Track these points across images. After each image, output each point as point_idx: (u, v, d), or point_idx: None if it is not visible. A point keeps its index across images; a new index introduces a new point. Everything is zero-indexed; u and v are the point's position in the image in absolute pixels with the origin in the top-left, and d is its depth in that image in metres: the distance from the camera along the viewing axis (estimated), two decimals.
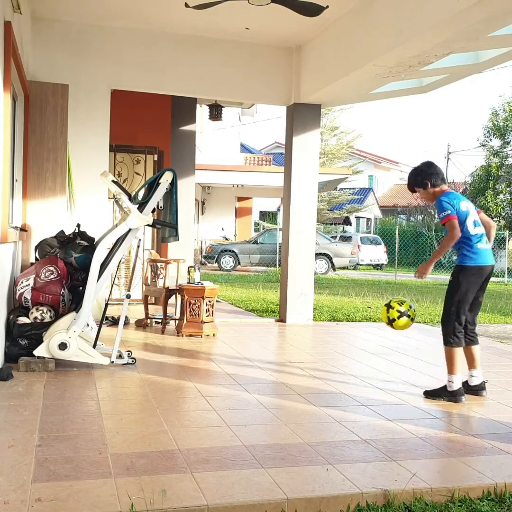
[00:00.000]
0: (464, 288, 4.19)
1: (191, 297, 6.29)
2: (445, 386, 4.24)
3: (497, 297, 13.18)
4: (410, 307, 4.29)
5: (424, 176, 4.34)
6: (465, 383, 4.36)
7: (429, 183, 4.32)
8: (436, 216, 4.72)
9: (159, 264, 6.91)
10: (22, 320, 4.83)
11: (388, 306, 4.30)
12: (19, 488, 2.51)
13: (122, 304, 5.79)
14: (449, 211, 4.13)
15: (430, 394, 4.27)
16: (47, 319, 4.88)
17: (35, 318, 4.87)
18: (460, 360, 4.22)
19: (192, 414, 3.68)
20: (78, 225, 5.35)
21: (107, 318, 6.68)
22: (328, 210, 26.67)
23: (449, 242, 4.11)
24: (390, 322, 4.28)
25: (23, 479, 2.60)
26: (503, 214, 24.12)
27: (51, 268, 4.95)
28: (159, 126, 9.45)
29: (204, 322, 6.32)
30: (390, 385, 4.59)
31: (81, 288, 5.00)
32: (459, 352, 4.22)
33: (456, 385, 4.20)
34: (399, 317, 4.24)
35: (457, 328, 4.19)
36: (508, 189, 23.93)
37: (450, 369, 4.21)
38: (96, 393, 4.04)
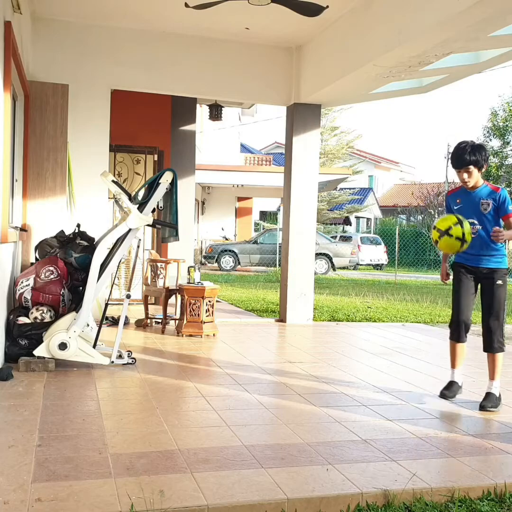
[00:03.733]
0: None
1: (191, 297, 6.29)
2: (491, 393, 4.07)
3: None
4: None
5: (487, 156, 4.02)
6: (455, 383, 4.29)
7: (486, 166, 4.05)
8: (488, 206, 4.51)
9: (159, 264, 6.91)
10: (22, 320, 4.83)
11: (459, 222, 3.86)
12: (19, 488, 2.51)
13: (122, 304, 5.79)
14: None
15: (489, 407, 3.99)
16: (47, 319, 4.88)
17: (35, 318, 4.87)
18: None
19: (192, 414, 3.68)
20: (78, 225, 5.35)
21: (107, 318, 6.68)
22: (328, 210, 26.67)
23: None
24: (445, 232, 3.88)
25: (23, 479, 2.60)
26: None
27: (51, 268, 4.95)
28: (159, 126, 9.45)
29: (204, 322, 6.32)
30: (390, 385, 4.59)
31: (81, 288, 5.00)
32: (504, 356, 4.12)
33: (498, 389, 4.10)
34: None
35: (504, 332, 4.07)
36: (508, 189, 23.93)
37: (497, 375, 4.08)
38: (96, 393, 4.04)
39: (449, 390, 4.28)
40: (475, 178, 4.05)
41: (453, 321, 4.25)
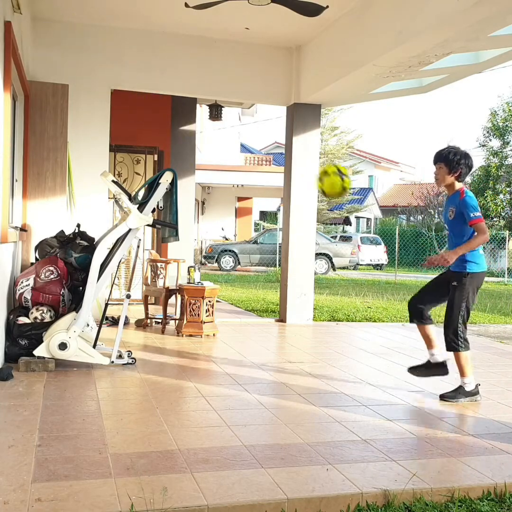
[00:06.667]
0: (471, 294, 4.15)
1: (191, 297, 6.29)
2: (460, 386, 4.23)
3: (497, 297, 13.18)
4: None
5: (463, 163, 4.16)
6: (428, 363, 4.47)
7: (460, 171, 4.18)
8: (446, 211, 4.41)
9: (159, 264, 6.91)
10: (22, 320, 4.83)
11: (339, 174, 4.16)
12: (19, 488, 2.51)
13: (122, 304, 5.79)
14: (480, 213, 4.09)
15: (448, 397, 4.20)
16: (47, 319, 4.88)
17: (35, 318, 4.87)
18: (471, 361, 4.24)
19: (192, 414, 3.68)
20: (78, 225, 5.35)
21: (107, 318, 6.68)
22: (328, 210, 26.65)
23: (480, 242, 4.05)
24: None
25: (23, 479, 2.60)
26: (503, 214, 24.12)
27: (51, 268, 4.95)
28: (159, 126, 9.45)
29: (204, 322, 6.32)
30: (390, 385, 4.59)
31: (81, 288, 5.00)
32: (469, 354, 4.21)
33: (472, 385, 4.22)
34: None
35: (464, 332, 4.17)
36: (507, 189, 23.91)
37: (465, 372, 4.21)
38: (96, 393, 4.04)
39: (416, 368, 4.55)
40: (446, 179, 4.22)
41: (411, 302, 4.49)
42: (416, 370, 4.54)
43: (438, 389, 4.48)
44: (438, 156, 4.26)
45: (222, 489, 2.58)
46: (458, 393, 4.20)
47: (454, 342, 4.15)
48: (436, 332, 4.45)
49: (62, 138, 6.37)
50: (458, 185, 4.23)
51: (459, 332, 4.14)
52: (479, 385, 4.30)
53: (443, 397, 4.22)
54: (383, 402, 4.10)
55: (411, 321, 4.48)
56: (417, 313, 4.39)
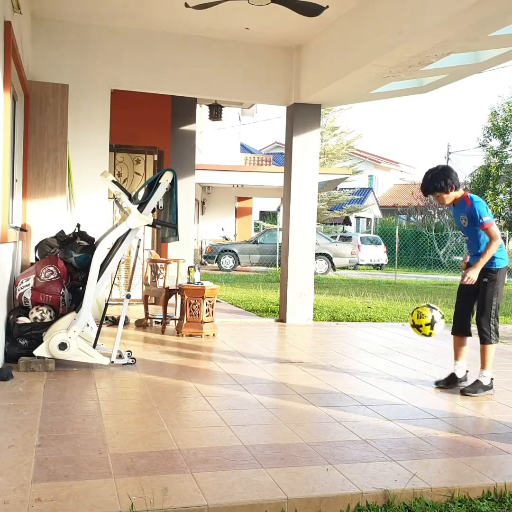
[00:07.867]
0: (501, 288, 4.38)
1: (191, 297, 6.29)
2: (478, 380, 4.41)
3: None
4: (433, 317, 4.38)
5: (449, 180, 4.33)
6: (453, 375, 4.60)
7: (454, 186, 4.35)
8: (462, 218, 4.57)
9: (159, 264, 6.91)
10: (22, 320, 4.83)
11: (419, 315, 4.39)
12: (19, 488, 2.51)
13: (122, 304, 5.79)
14: (491, 217, 4.31)
15: (468, 392, 4.36)
16: (47, 319, 4.88)
17: (35, 318, 4.87)
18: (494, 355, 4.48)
19: (192, 414, 3.68)
20: (78, 225, 5.35)
21: (107, 318, 6.68)
22: (328, 210, 26.67)
23: (496, 247, 4.27)
24: (417, 327, 4.38)
25: (23, 479, 2.60)
26: (503, 214, 24.10)
27: (51, 268, 4.95)
28: (159, 126, 9.45)
29: (204, 322, 6.32)
30: (390, 385, 4.59)
31: (81, 288, 5.00)
32: (494, 349, 4.45)
33: (488, 379, 4.42)
34: (426, 325, 4.34)
35: (497, 325, 4.39)
36: (507, 189, 23.88)
37: (487, 365, 4.42)
38: (96, 393, 4.04)
39: (444, 380, 4.64)
40: (448, 199, 4.41)
41: (453, 315, 4.68)
42: (441, 383, 4.63)
43: (438, 389, 4.49)
44: (426, 191, 4.43)
45: (222, 489, 2.58)
46: (478, 386, 4.38)
47: (488, 335, 4.37)
48: (470, 346, 4.63)
49: (62, 138, 6.37)
50: (459, 193, 4.41)
51: (492, 325, 4.37)
52: (493, 379, 4.46)
53: (464, 392, 4.37)
54: (383, 402, 4.10)
55: (453, 333, 4.63)
56: (463, 326, 4.56)
